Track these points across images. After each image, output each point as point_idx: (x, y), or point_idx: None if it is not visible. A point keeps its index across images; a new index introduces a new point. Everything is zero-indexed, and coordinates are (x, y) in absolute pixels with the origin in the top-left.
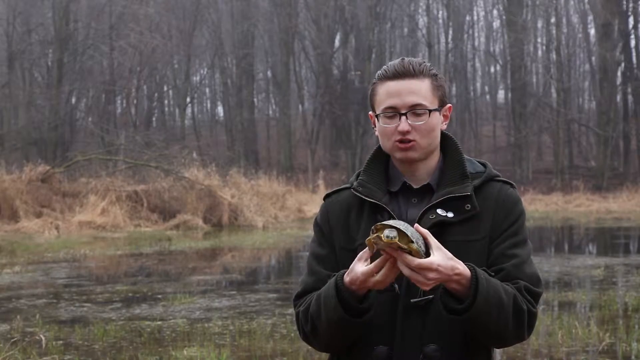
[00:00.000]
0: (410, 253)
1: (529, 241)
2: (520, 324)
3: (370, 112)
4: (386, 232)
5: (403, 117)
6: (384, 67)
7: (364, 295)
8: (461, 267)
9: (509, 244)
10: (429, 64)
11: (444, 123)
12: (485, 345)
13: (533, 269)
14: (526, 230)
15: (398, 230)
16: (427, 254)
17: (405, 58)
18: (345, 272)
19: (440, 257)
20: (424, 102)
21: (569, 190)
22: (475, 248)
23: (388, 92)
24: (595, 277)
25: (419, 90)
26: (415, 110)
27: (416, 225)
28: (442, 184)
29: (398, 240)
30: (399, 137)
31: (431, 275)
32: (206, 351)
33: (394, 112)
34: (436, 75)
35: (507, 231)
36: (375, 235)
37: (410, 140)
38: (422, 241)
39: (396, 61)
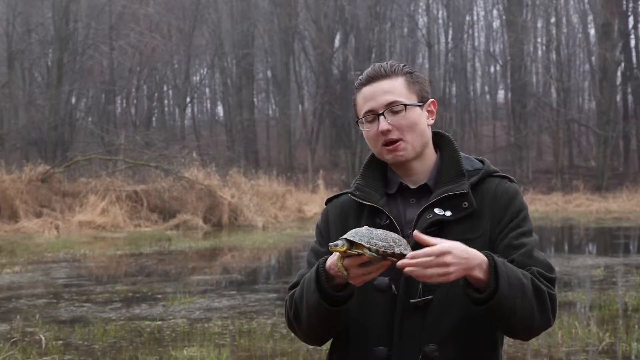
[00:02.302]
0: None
1: (534, 232)
2: (543, 307)
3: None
4: (332, 243)
5: (381, 117)
6: (359, 76)
7: (344, 285)
8: (478, 253)
9: (515, 235)
10: (402, 64)
11: (430, 119)
12: (510, 335)
13: (543, 257)
14: (530, 222)
15: (349, 240)
16: (402, 255)
17: (377, 63)
18: (328, 257)
19: (448, 243)
20: (398, 99)
21: (569, 190)
22: (474, 246)
23: (364, 98)
24: (595, 277)
25: (392, 88)
26: (391, 108)
27: (415, 232)
28: (439, 183)
29: (347, 249)
30: (382, 139)
31: (447, 259)
32: (206, 351)
33: (372, 115)
34: (411, 72)
35: (509, 224)
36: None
37: (395, 141)
38: (397, 245)
39: (369, 67)
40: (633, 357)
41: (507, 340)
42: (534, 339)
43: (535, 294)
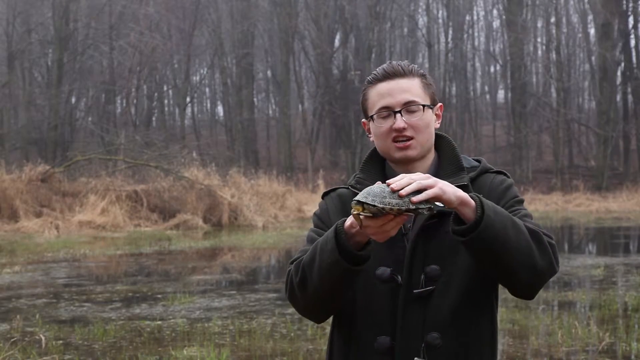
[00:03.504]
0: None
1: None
2: (542, 247)
3: (364, 120)
4: (353, 203)
5: (398, 115)
6: (373, 72)
7: (363, 245)
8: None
9: (510, 210)
10: (416, 66)
11: (437, 122)
12: (511, 282)
13: (537, 224)
14: (525, 209)
15: (358, 201)
16: (416, 210)
17: (393, 61)
18: (346, 218)
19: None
20: (417, 99)
21: (568, 190)
22: None
23: (380, 93)
24: (595, 277)
25: (411, 88)
26: (409, 107)
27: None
28: (438, 177)
29: (362, 211)
30: (394, 135)
31: (429, 181)
32: (206, 351)
33: (388, 112)
34: (425, 75)
35: (505, 205)
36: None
37: (407, 139)
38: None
39: (384, 65)
40: (633, 357)
41: (506, 340)
42: (533, 339)
43: (531, 233)
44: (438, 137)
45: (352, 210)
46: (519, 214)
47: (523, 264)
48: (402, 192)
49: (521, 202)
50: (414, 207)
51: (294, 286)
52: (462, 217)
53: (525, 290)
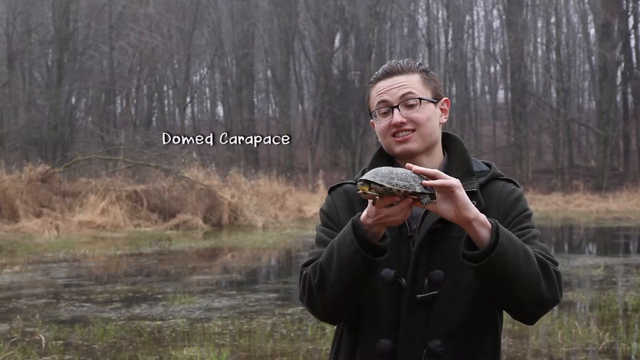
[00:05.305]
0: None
1: (536, 229)
2: (549, 277)
3: (371, 120)
4: (359, 184)
5: (395, 110)
6: (375, 72)
7: (380, 237)
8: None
9: (518, 228)
10: (417, 63)
11: (443, 117)
12: (516, 310)
13: (544, 245)
14: (533, 223)
15: (365, 180)
16: (422, 194)
17: (393, 60)
18: (362, 212)
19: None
20: (413, 92)
21: (569, 190)
22: None
23: (378, 91)
24: (595, 277)
25: (408, 83)
26: (406, 101)
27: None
28: None
29: (368, 190)
30: (394, 131)
31: (447, 181)
32: (206, 351)
33: (386, 108)
34: (426, 71)
35: (515, 219)
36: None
37: (407, 132)
38: (417, 184)
39: (385, 64)
40: (633, 357)
41: (506, 340)
42: (534, 339)
43: (539, 263)
44: (448, 137)
45: (358, 190)
46: (529, 233)
47: (529, 294)
48: (417, 169)
49: (530, 216)
50: (419, 190)
51: (312, 288)
52: (475, 237)
53: (528, 318)
